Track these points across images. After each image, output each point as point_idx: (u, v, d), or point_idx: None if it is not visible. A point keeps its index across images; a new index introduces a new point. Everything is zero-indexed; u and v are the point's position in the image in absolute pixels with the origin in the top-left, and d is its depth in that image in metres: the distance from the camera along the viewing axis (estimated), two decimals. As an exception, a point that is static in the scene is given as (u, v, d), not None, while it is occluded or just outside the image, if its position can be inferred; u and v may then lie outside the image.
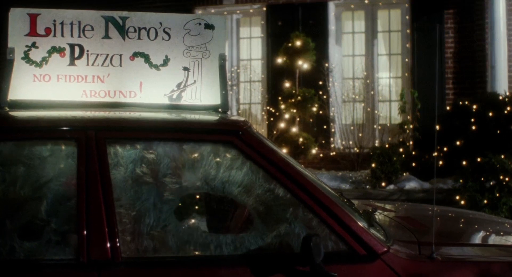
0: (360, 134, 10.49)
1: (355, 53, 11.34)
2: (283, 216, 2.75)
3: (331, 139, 10.88)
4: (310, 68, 10.64)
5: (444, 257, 2.79)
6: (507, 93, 9.24)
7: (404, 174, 9.00)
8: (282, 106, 10.55)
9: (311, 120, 10.57)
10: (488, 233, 3.64)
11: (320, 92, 10.61)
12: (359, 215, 2.97)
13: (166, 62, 3.44)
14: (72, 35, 3.38)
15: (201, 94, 3.45)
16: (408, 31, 10.87)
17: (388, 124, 10.82)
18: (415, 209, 4.42)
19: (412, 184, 8.69)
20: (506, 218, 6.06)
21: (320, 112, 10.59)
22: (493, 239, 3.55)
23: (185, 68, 3.46)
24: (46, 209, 2.66)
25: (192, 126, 2.98)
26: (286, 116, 10.55)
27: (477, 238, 3.55)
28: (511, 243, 3.43)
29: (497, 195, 7.25)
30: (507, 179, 7.30)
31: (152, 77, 3.41)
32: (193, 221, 2.76)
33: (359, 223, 2.75)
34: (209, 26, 3.50)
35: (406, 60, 10.87)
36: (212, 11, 11.44)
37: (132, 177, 2.76)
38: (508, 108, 8.59)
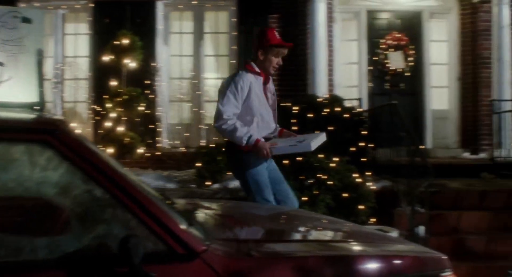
0: (187, 134, 10.54)
1: (183, 53, 11.39)
2: (102, 217, 2.69)
3: (158, 139, 10.85)
4: (138, 67, 10.54)
5: (262, 253, 2.86)
6: (326, 96, 9.75)
7: (228, 173, 9.14)
8: (108, 105, 10.33)
9: (137, 119, 10.46)
10: (306, 229, 3.77)
11: (147, 92, 10.54)
12: (179, 214, 2.97)
13: (-22, 56, 3.25)
14: None
15: (17, 91, 3.29)
16: (234, 33, 11.10)
17: (214, 124, 10.95)
18: (238, 207, 4.50)
19: (235, 183, 8.79)
20: (324, 214, 6.34)
21: (147, 111, 10.52)
22: (311, 235, 3.69)
23: (0, 63, 3.29)
24: None
25: (4, 124, 2.83)
26: (112, 115, 10.33)
27: (296, 234, 3.67)
28: (328, 238, 3.59)
29: (316, 192, 7.57)
30: (325, 177, 7.65)
31: None
32: (4, 224, 2.62)
33: (178, 222, 2.75)
34: (26, 20, 3.35)
35: (233, 61, 11.08)
36: (37, 4, 10.96)
37: None
38: (326, 110, 9.05)
